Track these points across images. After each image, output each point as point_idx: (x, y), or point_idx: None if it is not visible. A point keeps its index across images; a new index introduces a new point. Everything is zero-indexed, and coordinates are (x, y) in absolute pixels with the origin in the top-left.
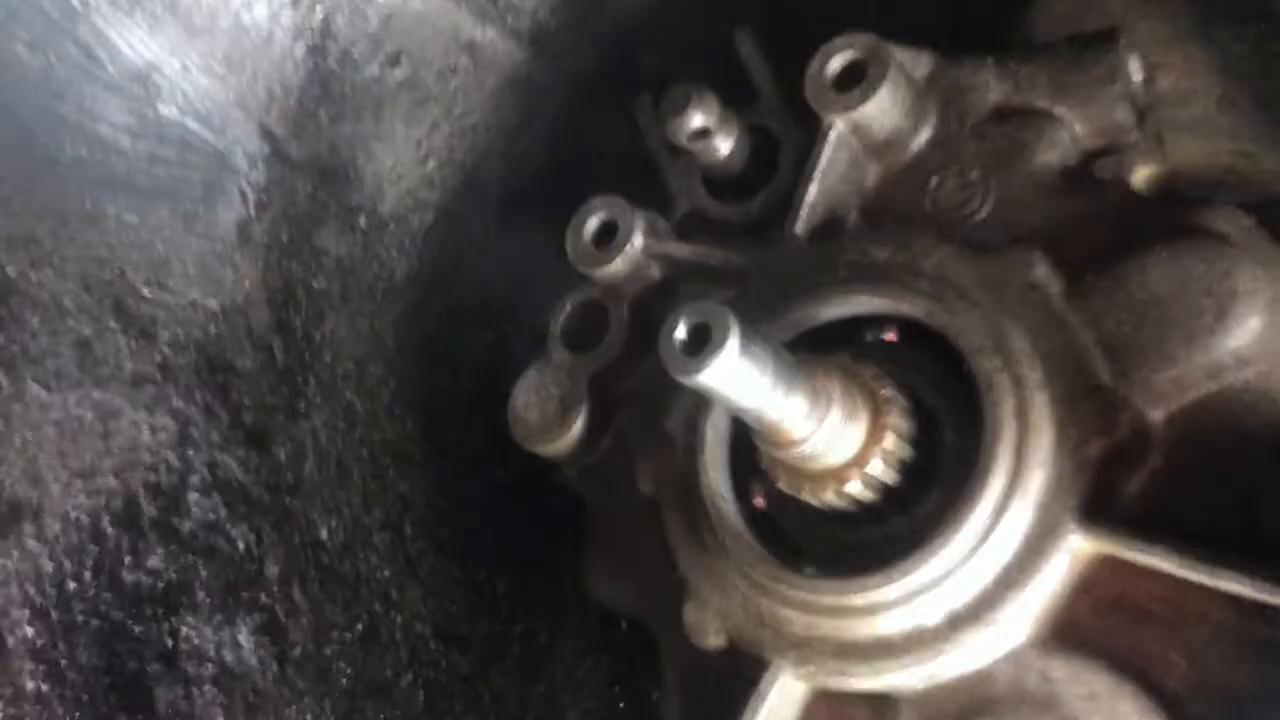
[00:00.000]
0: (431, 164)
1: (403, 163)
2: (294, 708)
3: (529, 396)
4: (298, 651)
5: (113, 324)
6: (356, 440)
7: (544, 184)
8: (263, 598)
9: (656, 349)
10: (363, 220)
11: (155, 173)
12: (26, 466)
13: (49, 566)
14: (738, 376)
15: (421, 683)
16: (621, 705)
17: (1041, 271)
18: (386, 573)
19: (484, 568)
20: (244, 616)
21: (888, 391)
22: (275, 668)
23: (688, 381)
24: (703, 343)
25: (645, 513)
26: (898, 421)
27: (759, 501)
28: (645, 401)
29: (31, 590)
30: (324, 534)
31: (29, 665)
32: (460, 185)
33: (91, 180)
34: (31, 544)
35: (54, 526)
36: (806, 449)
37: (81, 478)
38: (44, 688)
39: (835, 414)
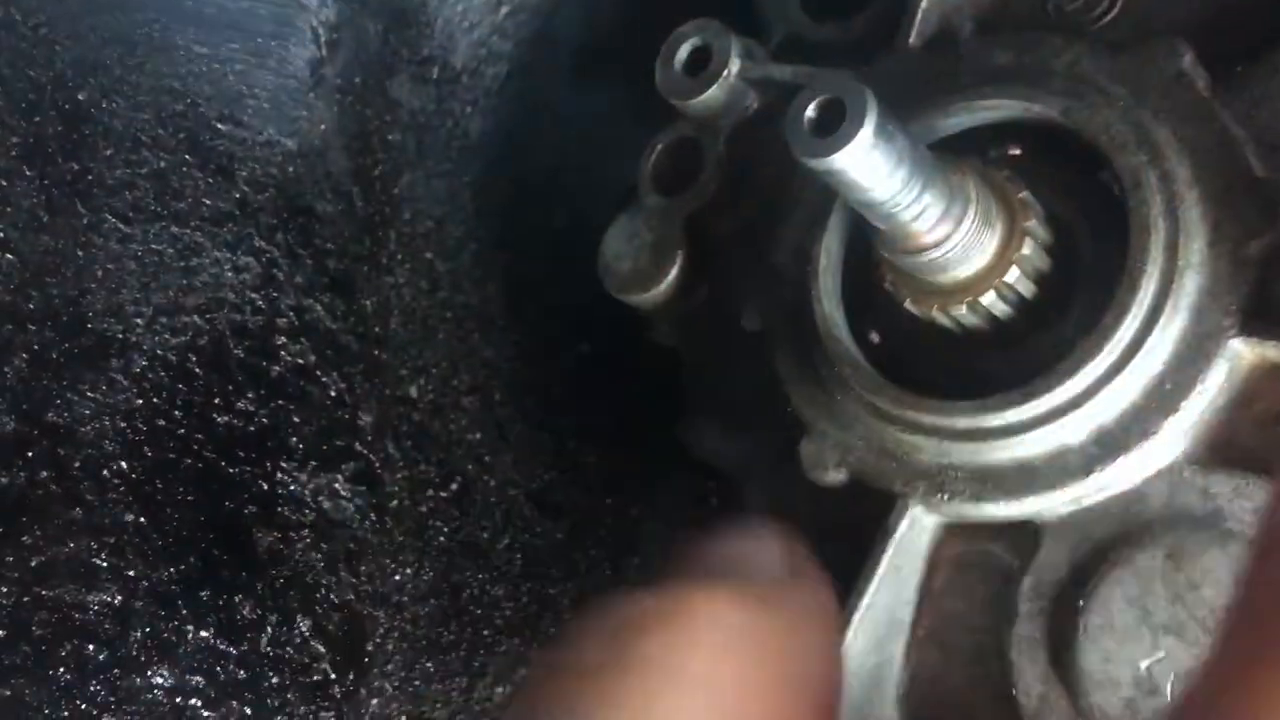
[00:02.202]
0: (504, 9)
1: (474, 8)
2: (393, 560)
3: (620, 245)
4: (394, 504)
5: (189, 158)
6: (440, 301)
7: (624, 36)
8: (357, 446)
9: (756, 187)
10: (435, 71)
11: (224, 4)
12: (109, 300)
13: (139, 402)
14: (873, 161)
15: (519, 547)
16: None
17: (1187, 61)
18: (477, 435)
19: (573, 439)
20: (340, 465)
21: (1024, 195)
22: (373, 517)
23: (819, 166)
24: (836, 122)
25: (750, 355)
26: (1036, 228)
27: (875, 338)
28: (746, 240)
29: (124, 425)
30: (413, 391)
31: (128, 499)
32: (535, 35)
33: (158, 7)
34: (120, 379)
35: (140, 362)
36: (940, 255)
37: (165, 315)
38: (143, 520)
39: (972, 215)
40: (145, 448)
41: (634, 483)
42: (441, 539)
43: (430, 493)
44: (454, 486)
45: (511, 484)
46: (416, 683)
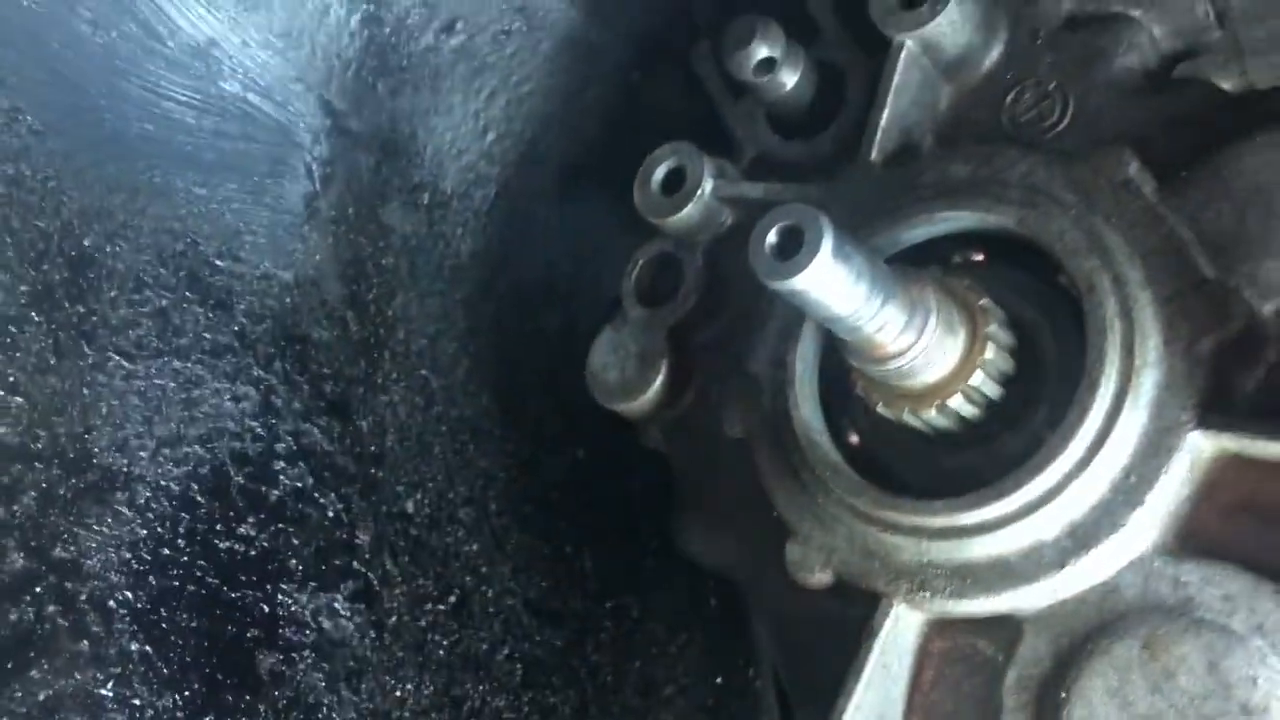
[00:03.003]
0: (491, 136)
1: (462, 137)
2: (393, 677)
3: (607, 357)
4: (394, 620)
5: (189, 294)
6: (435, 416)
7: (604, 154)
8: (355, 565)
9: (733, 298)
10: (426, 197)
11: (221, 147)
12: (114, 435)
13: (143, 533)
14: (832, 280)
15: (518, 656)
16: (719, 681)
17: (1134, 169)
18: (474, 547)
19: (570, 543)
20: (339, 584)
21: (984, 302)
22: (373, 635)
23: (781, 287)
24: (795, 247)
25: (734, 460)
26: (997, 331)
27: (853, 439)
28: (726, 348)
29: (128, 556)
30: (410, 507)
31: (132, 628)
32: (520, 158)
33: (159, 155)
34: (125, 511)
35: (144, 494)
36: (905, 363)
37: (169, 446)
38: (149, 649)
39: (933, 324)
40: (150, 577)
41: (633, 585)
42: (441, 652)
43: (429, 606)
44: (452, 599)
45: (509, 593)
46: None
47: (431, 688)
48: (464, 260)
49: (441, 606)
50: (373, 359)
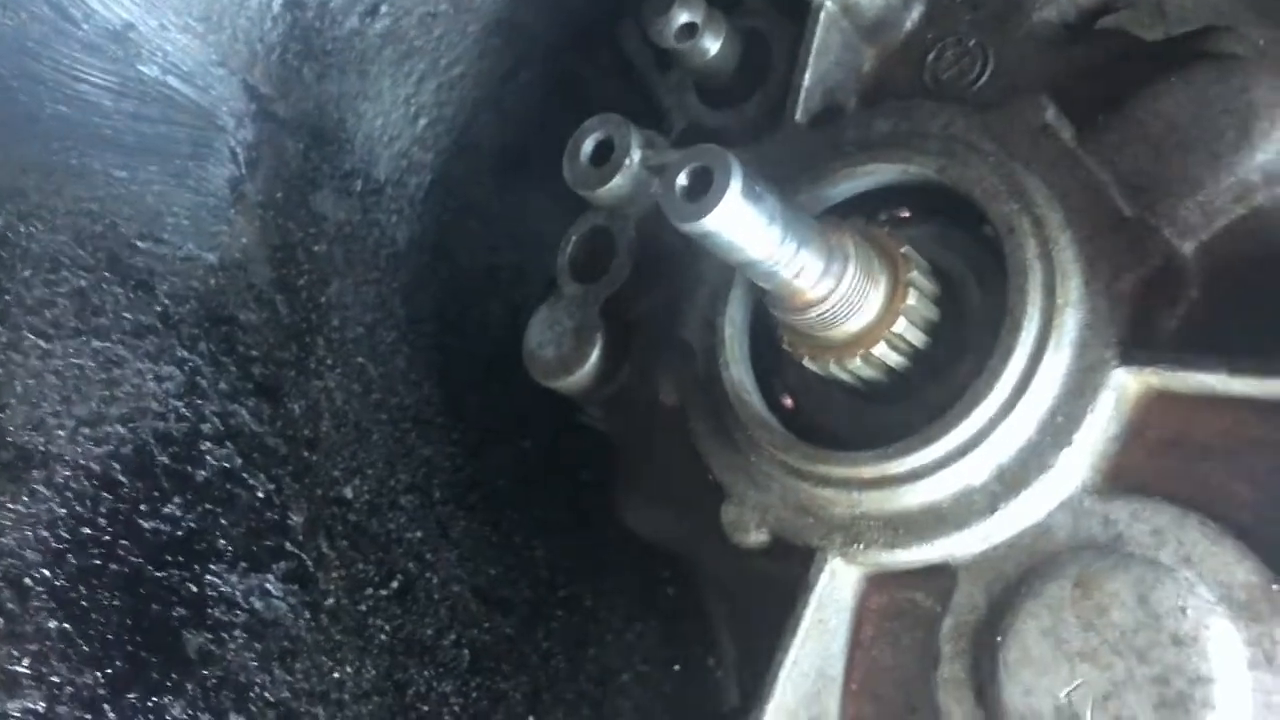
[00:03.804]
0: (422, 122)
1: (393, 123)
2: (330, 658)
3: (542, 333)
4: (331, 603)
5: (109, 275)
6: (373, 404)
7: (541, 138)
8: (288, 546)
9: (667, 269)
10: (358, 184)
11: (141, 130)
12: (30, 413)
13: (61, 512)
14: (744, 221)
15: (465, 642)
16: (676, 668)
17: (1051, 114)
18: (418, 534)
19: (519, 532)
20: (271, 565)
21: (905, 249)
22: (308, 616)
23: (693, 229)
24: (705, 187)
25: (672, 429)
26: (919, 278)
27: (786, 402)
28: (661, 319)
29: (45, 534)
30: (348, 493)
31: (50, 605)
32: (455, 144)
33: (75, 137)
34: (42, 490)
35: (63, 473)
36: (827, 310)
37: (88, 426)
38: (67, 627)
39: (852, 270)
40: (69, 555)
41: (586, 574)
42: (383, 637)
43: (369, 591)
44: (394, 584)
45: (456, 580)
46: None
47: (373, 671)
48: (401, 248)
49: (383, 592)
50: (305, 344)
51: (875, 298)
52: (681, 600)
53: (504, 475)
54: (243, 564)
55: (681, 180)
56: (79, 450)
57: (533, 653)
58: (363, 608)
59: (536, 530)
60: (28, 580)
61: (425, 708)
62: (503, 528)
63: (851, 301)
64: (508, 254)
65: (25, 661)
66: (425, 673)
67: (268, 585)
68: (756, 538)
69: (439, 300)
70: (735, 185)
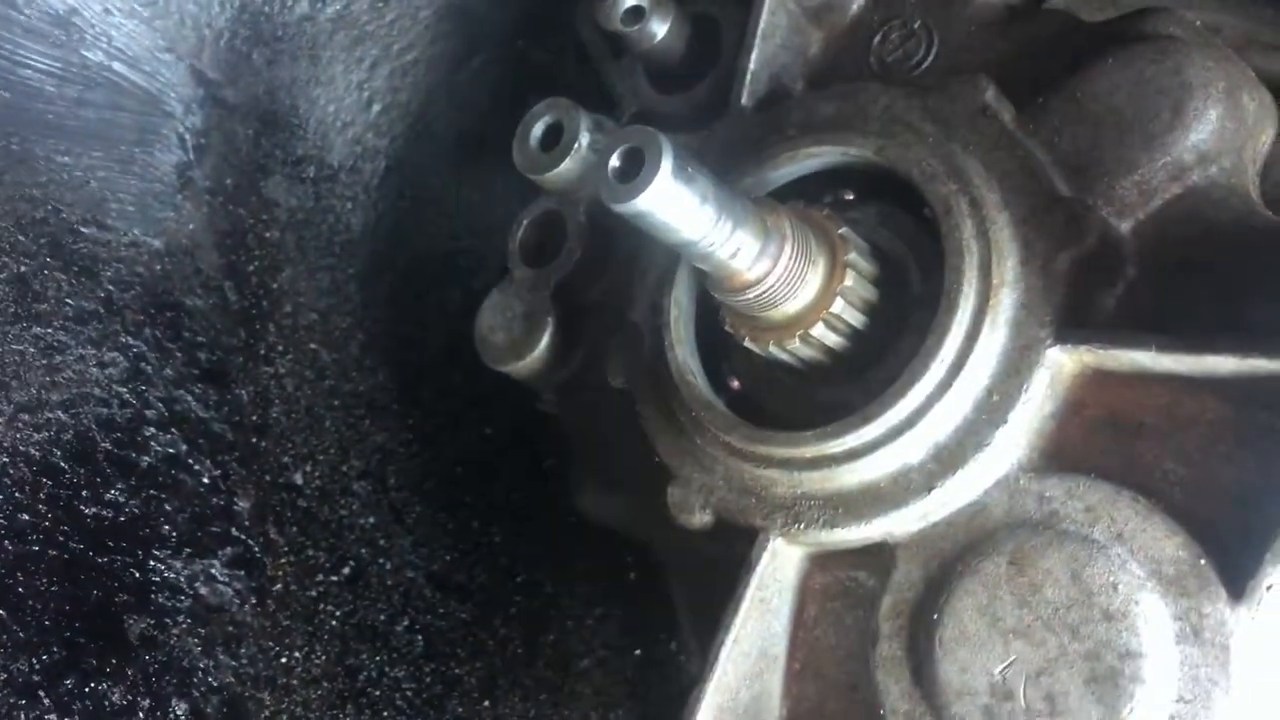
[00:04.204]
0: (376, 107)
1: (346, 108)
2: (278, 644)
3: (494, 318)
4: (279, 588)
5: (50, 261)
6: (326, 390)
7: (497, 125)
8: (234, 532)
9: (617, 253)
10: (311, 170)
11: (85, 116)
12: None
13: None
14: (676, 201)
15: (419, 628)
16: (638, 653)
17: (990, 95)
18: (371, 520)
19: (477, 518)
20: (216, 550)
21: (843, 230)
22: (254, 601)
23: (626, 209)
24: (637, 168)
25: (622, 414)
26: (857, 259)
27: (733, 384)
28: (611, 304)
29: None
30: (299, 478)
31: None
32: (409, 130)
33: (16, 122)
34: None
35: (0, 460)
36: (764, 291)
37: (27, 412)
38: (2, 614)
39: (789, 251)
40: (4, 542)
41: (546, 559)
42: (334, 623)
43: (319, 577)
44: (346, 571)
45: (410, 566)
46: None
47: (324, 656)
48: (356, 235)
49: (334, 578)
50: (254, 330)
51: (813, 279)
52: (643, 585)
53: (462, 462)
54: (187, 550)
55: (614, 162)
56: (18, 436)
57: (489, 638)
58: (312, 593)
59: (495, 516)
60: None
61: (377, 693)
62: (460, 514)
63: (789, 283)
64: (465, 241)
65: None
66: (377, 658)
67: (213, 571)
68: (701, 519)
69: (395, 287)
70: (666, 166)
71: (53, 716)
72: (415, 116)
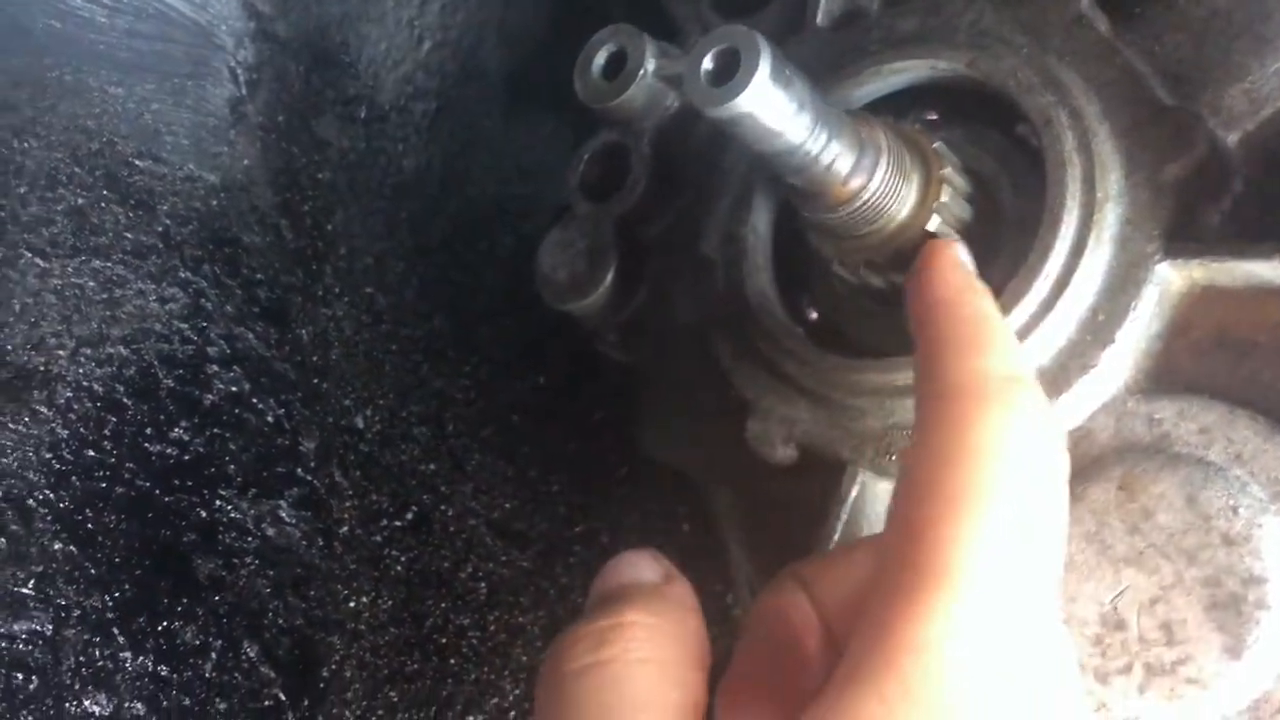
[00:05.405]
0: (427, 45)
1: (397, 46)
2: (345, 587)
3: (556, 256)
4: (345, 531)
5: (107, 193)
6: (384, 334)
7: (551, 65)
8: (299, 472)
9: (683, 185)
10: (363, 110)
11: (136, 47)
12: (29, 333)
13: (64, 434)
14: (774, 104)
15: (482, 576)
16: None
17: (1085, 4)
18: (431, 466)
19: (534, 468)
20: (282, 491)
21: (938, 145)
22: (321, 543)
23: (721, 114)
24: (733, 71)
25: (690, 351)
26: (952, 175)
27: (812, 315)
28: (678, 237)
29: (49, 456)
30: (360, 422)
31: (54, 527)
32: (461, 69)
33: (69, 52)
34: (44, 411)
35: (65, 394)
36: (860, 206)
37: (90, 346)
38: (73, 549)
39: (885, 164)
40: (73, 478)
41: (602, 510)
42: (399, 568)
43: (384, 522)
44: (409, 516)
45: (471, 514)
46: (380, 711)
47: (390, 602)
48: (408, 177)
49: (398, 523)
50: (311, 270)
51: (908, 195)
52: (696, 538)
53: (518, 411)
54: (253, 490)
55: (707, 64)
56: (81, 371)
57: (550, 587)
58: (378, 538)
59: (552, 466)
60: (30, 502)
61: (443, 640)
62: (518, 463)
63: (885, 197)
64: (519, 187)
65: (30, 584)
66: (443, 604)
67: (280, 512)
68: (784, 452)
69: (448, 232)
70: (765, 66)
71: (127, 654)
72: (467, 55)
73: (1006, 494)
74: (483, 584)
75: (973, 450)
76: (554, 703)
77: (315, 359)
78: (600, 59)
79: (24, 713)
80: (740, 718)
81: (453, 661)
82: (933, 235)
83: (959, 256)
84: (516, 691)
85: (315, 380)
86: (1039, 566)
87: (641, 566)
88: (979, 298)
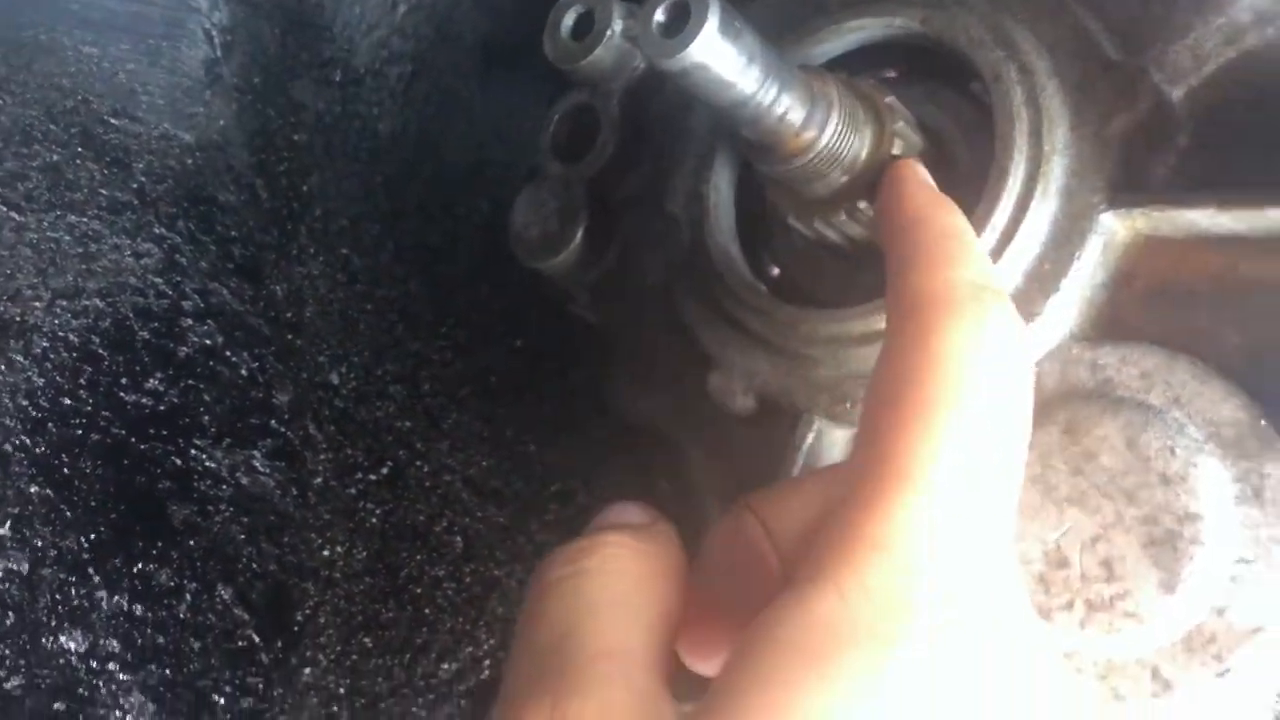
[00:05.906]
0: (402, 9)
1: (372, 10)
2: (320, 536)
3: (527, 214)
4: (319, 482)
5: (82, 150)
6: (359, 294)
7: (526, 29)
8: (273, 425)
9: (651, 145)
10: (338, 74)
11: (110, 7)
12: (4, 285)
13: (40, 382)
14: (724, 55)
15: (458, 530)
16: None
17: None
18: (407, 424)
19: (510, 428)
20: (255, 442)
21: (890, 99)
22: (295, 493)
23: (671, 65)
24: (683, 23)
25: (657, 308)
26: (904, 129)
27: (774, 271)
28: (646, 196)
29: (25, 403)
30: (334, 378)
31: (30, 471)
32: (436, 33)
33: (43, 12)
34: (19, 359)
35: (40, 344)
36: (812, 159)
37: (65, 298)
38: (49, 493)
39: (836, 117)
40: (49, 424)
41: (579, 469)
42: (374, 520)
43: (359, 475)
44: (385, 470)
45: (447, 470)
46: (354, 656)
47: (365, 552)
48: (383, 140)
49: (373, 476)
50: (286, 230)
51: (861, 147)
52: (675, 496)
53: (495, 373)
54: (227, 440)
55: (659, 16)
56: (57, 322)
57: (526, 542)
58: (352, 491)
59: (529, 427)
60: (7, 447)
61: (418, 590)
62: (495, 422)
63: (837, 150)
64: (495, 151)
65: (7, 525)
66: (418, 557)
67: (254, 461)
68: (743, 403)
69: (423, 196)
70: (714, 19)
71: (103, 593)
72: (441, 19)
73: (975, 397)
74: (458, 538)
75: (942, 356)
76: (532, 605)
77: (289, 315)
78: (569, 20)
79: (1, 646)
80: (698, 642)
81: (427, 611)
82: (896, 157)
83: (924, 174)
84: (491, 641)
85: (289, 336)
86: (1002, 473)
87: (630, 512)
88: (947, 212)
